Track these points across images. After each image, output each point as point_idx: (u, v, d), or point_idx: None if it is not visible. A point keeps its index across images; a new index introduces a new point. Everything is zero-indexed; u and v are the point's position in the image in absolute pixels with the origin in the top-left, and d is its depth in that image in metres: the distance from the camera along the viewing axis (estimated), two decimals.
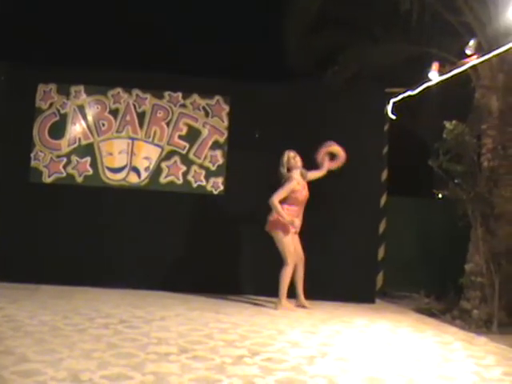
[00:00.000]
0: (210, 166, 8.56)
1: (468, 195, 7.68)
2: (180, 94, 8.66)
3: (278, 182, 7.62)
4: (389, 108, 9.05)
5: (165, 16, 12.20)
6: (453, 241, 8.81)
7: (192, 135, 8.61)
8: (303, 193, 7.61)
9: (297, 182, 7.55)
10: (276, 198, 7.37)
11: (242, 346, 5.25)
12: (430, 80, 8.25)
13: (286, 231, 7.45)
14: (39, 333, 5.22)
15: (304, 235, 7.69)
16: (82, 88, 8.56)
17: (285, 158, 7.63)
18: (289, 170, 7.63)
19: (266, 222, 7.48)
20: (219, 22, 11.61)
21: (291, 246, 7.51)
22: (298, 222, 7.56)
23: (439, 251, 9.55)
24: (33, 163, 8.40)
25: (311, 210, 7.69)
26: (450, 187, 7.82)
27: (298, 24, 9.56)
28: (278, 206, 7.35)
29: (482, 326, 7.18)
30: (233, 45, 11.72)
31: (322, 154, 7.76)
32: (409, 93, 8.81)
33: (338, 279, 8.36)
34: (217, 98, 8.68)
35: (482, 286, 7.64)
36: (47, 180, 8.41)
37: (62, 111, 8.51)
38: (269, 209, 7.39)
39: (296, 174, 7.61)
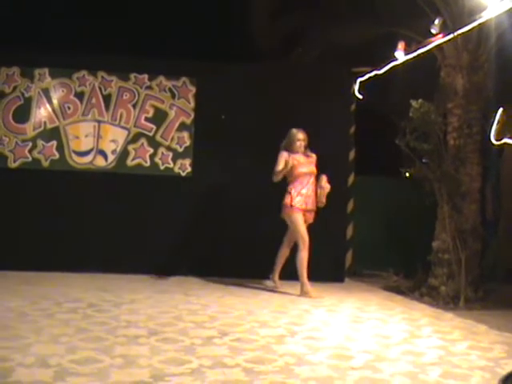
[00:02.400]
0: (178, 147, 8.52)
1: (435, 173, 7.74)
2: (146, 76, 8.57)
3: (244, 163, 7.61)
4: (355, 87, 9.07)
5: None
6: (420, 219, 8.89)
7: (159, 117, 8.54)
8: (304, 168, 7.47)
9: (290, 157, 7.42)
10: (274, 175, 7.38)
11: (211, 327, 5.27)
12: (396, 59, 8.27)
13: (293, 211, 7.38)
14: (5, 319, 5.17)
15: (271, 216, 7.70)
16: (46, 71, 8.43)
17: (290, 138, 7.54)
18: (288, 149, 7.51)
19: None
20: (185, 3, 11.49)
21: (302, 225, 7.41)
22: (302, 199, 7.40)
23: (407, 229, 9.62)
24: None
25: (278, 190, 7.69)
26: (417, 166, 7.88)
27: (264, 4, 9.51)
28: (277, 173, 7.38)
29: (450, 302, 7.30)
30: (199, 26, 11.64)
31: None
32: (375, 72, 8.83)
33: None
34: (183, 79, 8.61)
35: (448, 263, 7.73)
36: (13, 165, 8.28)
37: (27, 95, 8.37)
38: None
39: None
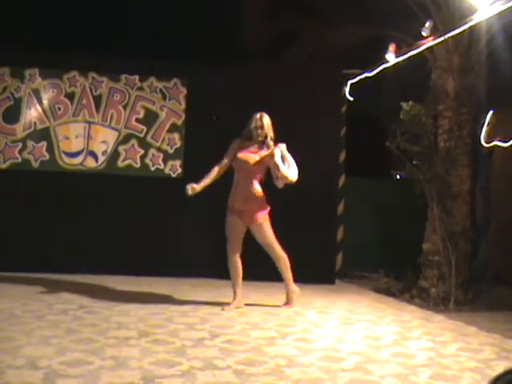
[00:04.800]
0: (168, 149, 8.51)
1: (425, 175, 7.76)
2: (137, 77, 8.56)
3: None
4: (346, 90, 9.09)
5: None
6: (411, 221, 8.92)
7: (149, 118, 8.53)
8: (240, 162, 6.38)
9: (237, 145, 6.51)
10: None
11: (202, 329, 5.26)
12: (387, 61, 8.30)
13: (227, 211, 6.50)
14: None
15: None
16: (36, 71, 8.40)
17: (249, 123, 6.51)
18: (244, 136, 6.53)
19: None
20: (176, 3, 11.49)
21: (229, 229, 6.45)
22: (231, 197, 6.45)
23: (398, 231, 9.66)
24: None
25: (270, 192, 7.68)
26: (408, 168, 7.90)
27: (255, 6, 9.51)
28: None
29: (440, 303, 7.32)
30: (190, 27, 11.64)
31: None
32: (366, 74, 8.86)
33: (297, 261, 8.33)
34: (174, 80, 8.61)
35: (439, 265, 7.75)
36: (2, 166, 8.24)
37: (17, 95, 8.34)
38: None
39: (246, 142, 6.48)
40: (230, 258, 6.45)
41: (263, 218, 6.44)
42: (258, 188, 6.42)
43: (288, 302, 6.66)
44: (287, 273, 6.66)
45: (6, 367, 3.80)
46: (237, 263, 6.45)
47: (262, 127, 6.42)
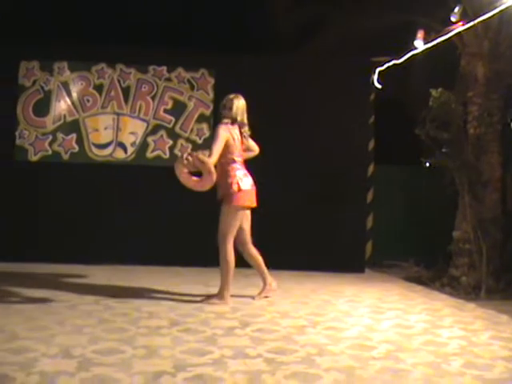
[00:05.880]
0: (197, 139, 8.53)
1: (455, 163, 7.69)
2: (165, 68, 8.59)
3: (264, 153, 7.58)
4: (374, 77, 9.02)
5: None
6: (441, 208, 8.86)
7: (178, 109, 8.56)
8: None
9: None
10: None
11: (232, 318, 5.29)
12: (415, 48, 8.22)
13: None
14: (29, 310, 5.23)
15: (293, 207, 7.69)
16: (65, 64, 8.47)
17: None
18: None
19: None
20: None
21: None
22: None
23: (428, 219, 9.59)
24: (18, 142, 8.32)
25: (300, 181, 7.70)
26: (437, 155, 7.83)
27: None
28: None
29: (471, 292, 7.24)
30: (216, 17, 11.61)
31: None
32: (394, 62, 8.78)
33: (327, 249, 8.40)
34: (202, 70, 8.62)
35: (470, 253, 7.68)
36: (33, 158, 8.34)
37: (46, 88, 8.42)
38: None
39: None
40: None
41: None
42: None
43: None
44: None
45: (41, 355, 3.86)
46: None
47: (230, 108, 6.08)
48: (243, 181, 6.02)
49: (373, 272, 8.81)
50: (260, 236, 7.96)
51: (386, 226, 9.44)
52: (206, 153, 5.95)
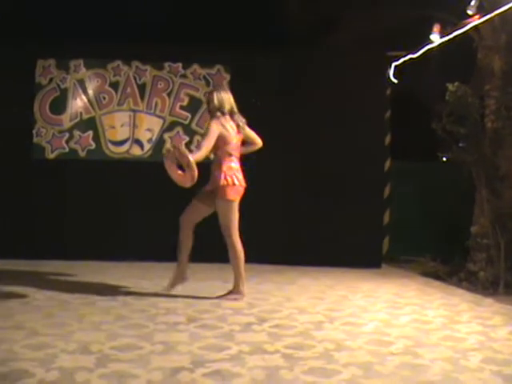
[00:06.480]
0: None
1: (472, 157, 7.65)
2: (180, 65, 8.60)
3: (281, 149, 7.57)
4: (390, 72, 8.98)
5: None
6: (458, 203, 8.81)
7: (194, 105, 8.56)
8: None
9: None
10: None
11: (249, 314, 5.29)
12: (431, 42, 8.17)
13: None
14: (48, 307, 5.27)
15: (309, 202, 7.67)
16: (81, 62, 8.50)
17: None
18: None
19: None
20: None
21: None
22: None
23: (444, 214, 9.53)
24: (35, 139, 8.37)
25: (316, 177, 7.68)
26: (454, 150, 7.79)
27: None
28: None
29: (489, 287, 7.20)
30: (232, 13, 11.60)
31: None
32: (410, 56, 8.73)
33: (343, 245, 8.37)
34: (217, 67, 8.62)
35: (487, 248, 7.64)
36: (50, 156, 8.39)
37: (63, 86, 8.46)
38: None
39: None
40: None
41: None
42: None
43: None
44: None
45: (60, 351, 3.89)
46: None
47: (212, 101, 6.01)
48: (234, 176, 5.94)
49: (389, 267, 8.78)
50: (278, 232, 7.98)
51: (402, 221, 9.39)
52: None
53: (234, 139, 6.02)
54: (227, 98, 6.04)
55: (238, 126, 6.05)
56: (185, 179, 5.80)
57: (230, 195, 5.95)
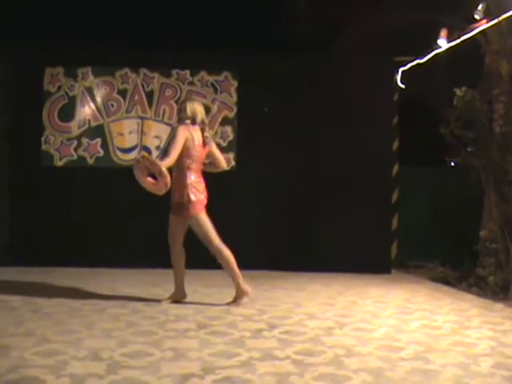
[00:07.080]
0: (221, 142, 8.53)
1: (480, 162, 7.63)
2: (188, 72, 8.62)
3: (289, 156, 7.57)
4: (398, 77, 8.97)
5: None
6: (466, 208, 8.78)
7: None
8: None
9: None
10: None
11: (260, 320, 5.29)
12: (438, 47, 8.17)
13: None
14: (58, 314, 5.29)
15: (318, 207, 7.66)
16: (89, 69, 8.54)
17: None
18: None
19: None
20: None
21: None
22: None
23: (453, 219, 9.50)
24: (44, 147, 8.41)
25: (324, 182, 7.67)
26: (462, 154, 7.78)
27: None
28: None
29: (499, 292, 7.17)
30: (238, 20, 11.64)
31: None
32: (418, 61, 8.73)
33: (352, 250, 8.36)
34: (225, 73, 8.64)
35: (496, 253, 7.61)
36: (58, 163, 8.42)
37: (71, 94, 8.50)
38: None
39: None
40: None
41: None
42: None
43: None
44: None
45: (71, 358, 3.90)
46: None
47: (184, 109, 5.97)
48: (195, 190, 5.87)
49: (399, 273, 8.76)
50: (286, 238, 7.98)
51: (411, 226, 9.37)
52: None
53: (198, 152, 5.90)
54: (200, 110, 6.02)
55: (205, 138, 5.97)
56: (158, 187, 5.73)
57: (198, 209, 5.91)
